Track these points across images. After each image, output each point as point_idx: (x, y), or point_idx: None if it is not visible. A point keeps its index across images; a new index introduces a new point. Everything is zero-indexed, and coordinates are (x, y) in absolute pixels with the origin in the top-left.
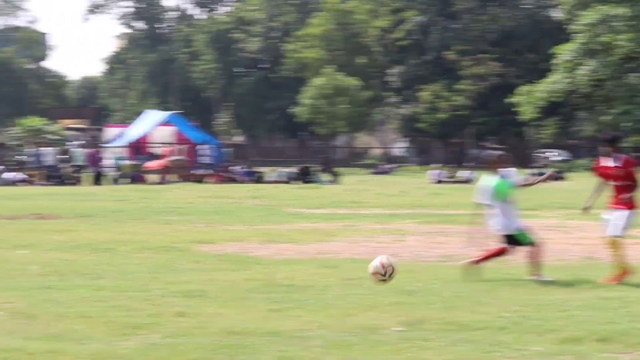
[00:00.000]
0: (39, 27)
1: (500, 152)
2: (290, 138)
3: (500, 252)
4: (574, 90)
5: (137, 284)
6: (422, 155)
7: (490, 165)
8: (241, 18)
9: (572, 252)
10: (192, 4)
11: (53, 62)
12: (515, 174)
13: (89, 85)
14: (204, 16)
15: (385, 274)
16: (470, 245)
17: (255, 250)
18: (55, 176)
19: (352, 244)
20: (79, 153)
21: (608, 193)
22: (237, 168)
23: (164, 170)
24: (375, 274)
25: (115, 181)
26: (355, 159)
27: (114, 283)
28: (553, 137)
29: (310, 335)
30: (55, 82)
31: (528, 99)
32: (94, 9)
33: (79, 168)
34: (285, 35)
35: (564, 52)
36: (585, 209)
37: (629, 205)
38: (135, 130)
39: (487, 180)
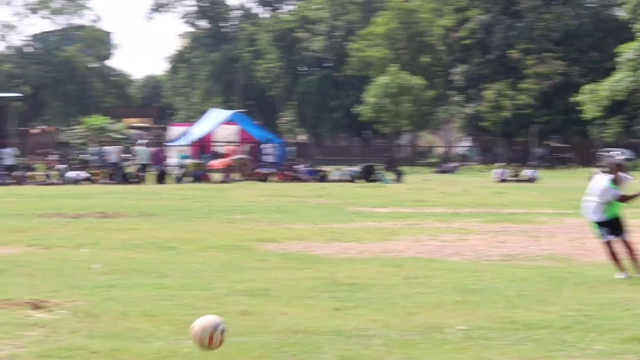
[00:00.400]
0: (103, 26)
1: (622, 158)
2: (354, 137)
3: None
4: (638, 89)
5: (201, 283)
6: (486, 154)
7: (612, 169)
8: (305, 17)
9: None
10: (256, 2)
11: (117, 61)
12: (630, 181)
13: (153, 84)
14: (268, 15)
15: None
16: None
17: (319, 248)
18: (118, 175)
19: (416, 242)
20: (143, 152)
21: None
22: (301, 167)
23: (228, 169)
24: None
25: (179, 180)
26: (419, 157)
27: (178, 282)
28: (616, 136)
29: (374, 334)
30: (119, 81)
31: (591, 97)
32: (158, 8)
33: (143, 167)
34: (349, 34)
35: (628, 50)
36: None
37: None
38: (199, 129)
39: (602, 179)
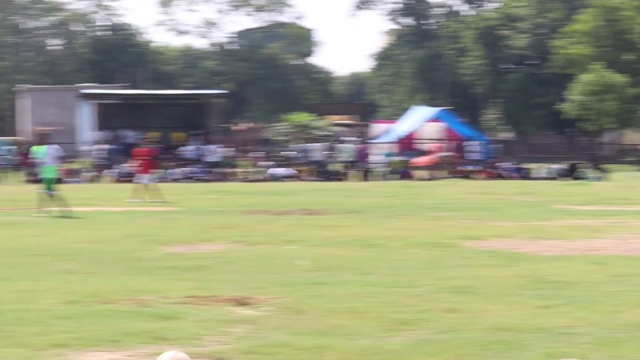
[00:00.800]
0: (306, 23)
1: None
2: (557, 134)
3: None
4: None
5: (406, 280)
6: None
7: None
8: (508, 14)
9: None
10: (460, 0)
11: (320, 58)
12: None
13: (357, 81)
14: (472, 12)
15: None
16: None
17: (523, 246)
18: (322, 172)
19: (621, 240)
20: (347, 149)
21: None
22: (505, 164)
23: (433, 166)
24: None
25: (384, 177)
26: (623, 155)
27: (383, 279)
28: None
29: (579, 331)
30: (321, 78)
31: None
32: (361, 5)
33: (347, 164)
34: (552, 31)
35: None
36: None
37: None
38: (403, 126)
39: None
